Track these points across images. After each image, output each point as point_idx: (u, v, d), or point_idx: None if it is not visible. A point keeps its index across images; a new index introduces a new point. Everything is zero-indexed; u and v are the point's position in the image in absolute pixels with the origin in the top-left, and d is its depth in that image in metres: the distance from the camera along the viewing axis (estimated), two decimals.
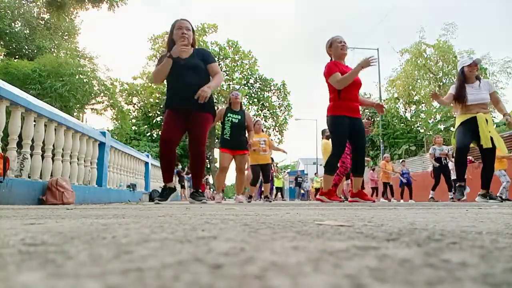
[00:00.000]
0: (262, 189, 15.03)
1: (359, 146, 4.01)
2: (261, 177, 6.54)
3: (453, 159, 9.33)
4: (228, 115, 5.08)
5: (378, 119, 19.56)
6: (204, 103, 3.48)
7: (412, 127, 20.96)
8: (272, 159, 8.89)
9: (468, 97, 4.15)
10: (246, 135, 5.36)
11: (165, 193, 3.66)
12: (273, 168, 9.99)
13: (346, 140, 4.00)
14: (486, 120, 4.08)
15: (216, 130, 20.85)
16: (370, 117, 22.39)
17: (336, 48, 3.96)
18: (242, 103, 5.36)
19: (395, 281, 0.30)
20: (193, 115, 3.54)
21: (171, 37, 3.56)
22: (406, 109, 22.86)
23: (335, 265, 0.37)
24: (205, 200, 3.75)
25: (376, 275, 0.32)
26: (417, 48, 21.83)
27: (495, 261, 0.39)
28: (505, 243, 0.54)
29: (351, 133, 3.93)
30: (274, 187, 18.31)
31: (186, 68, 3.50)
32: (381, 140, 17.95)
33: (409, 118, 21.80)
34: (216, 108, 3.97)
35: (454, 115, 4.38)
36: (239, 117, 5.07)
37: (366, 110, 22.92)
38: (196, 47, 3.76)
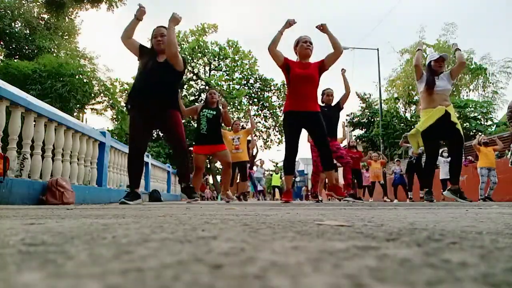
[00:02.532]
0: (261, 188, 14.89)
1: (319, 138, 3.99)
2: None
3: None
4: (204, 110, 5.11)
5: (378, 119, 19.56)
6: (170, 101, 3.58)
7: (412, 127, 20.93)
8: (254, 157, 8.80)
9: (437, 84, 4.18)
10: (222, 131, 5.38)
11: (132, 196, 3.52)
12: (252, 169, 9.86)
13: (296, 137, 3.99)
14: (449, 113, 4.09)
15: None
16: (370, 117, 22.38)
17: (300, 47, 4.05)
18: (218, 101, 5.33)
19: (395, 281, 0.30)
20: (161, 115, 3.54)
21: (152, 45, 3.70)
22: (406, 109, 22.84)
23: (335, 265, 0.37)
24: (197, 197, 3.77)
25: (376, 275, 0.32)
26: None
27: (495, 261, 0.39)
28: (505, 243, 0.54)
29: (308, 127, 3.98)
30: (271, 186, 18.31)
31: (156, 67, 3.55)
32: (381, 140, 17.94)
33: (409, 118, 21.78)
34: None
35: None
36: (214, 112, 5.11)
37: (366, 110, 22.91)
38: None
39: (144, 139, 3.64)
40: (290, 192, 4.18)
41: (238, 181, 7.22)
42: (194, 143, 5.28)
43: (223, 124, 5.25)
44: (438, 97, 4.17)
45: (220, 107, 5.25)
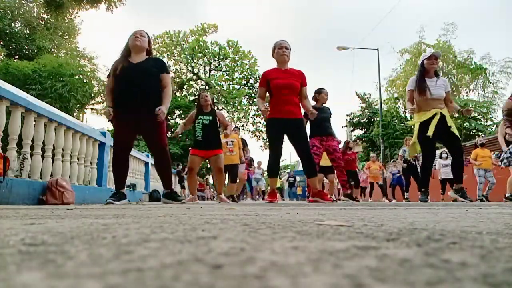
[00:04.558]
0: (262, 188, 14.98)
1: (301, 146, 4.04)
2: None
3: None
4: (199, 117, 5.04)
5: (378, 119, 19.56)
6: (155, 106, 3.47)
7: (412, 127, 20.93)
8: (251, 159, 9.23)
9: (430, 90, 4.17)
10: (221, 134, 5.35)
11: (117, 196, 3.50)
12: (251, 169, 9.93)
13: (280, 141, 4.08)
14: (444, 116, 4.10)
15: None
16: (370, 117, 22.38)
17: (277, 53, 4.07)
18: (216, 103, 5.31)
19: (395, 281, 0.30)
20: (144, 119, 3.45)
21: (127, 45, 3.63)
22: (406, 109, 22.84)
23: (335, 265, 0.37)
24: (182, 199, 3.75)
25: (376, 275, 0.32)
26: (417, 48, 21.80)
27: (495, 261, 0.39)
28: (505, 243, 0.54)
29: (288, 134, 4.05)
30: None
31: (138, 70, 3.49)
32: (381, 140, 17.95)
33: (409, 118, 21.76)
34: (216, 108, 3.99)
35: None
36: (210, 117, 5.04)
37: (366, 110, 22.92)
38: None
39: (130, 141, 3.60)
40: (274, 193, 4.41)
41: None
42: (191, 147, 5.28)
43: (221, 129, 5.26)
44: (433, 102, 4.19)
45: (215, 109, 5.22)
